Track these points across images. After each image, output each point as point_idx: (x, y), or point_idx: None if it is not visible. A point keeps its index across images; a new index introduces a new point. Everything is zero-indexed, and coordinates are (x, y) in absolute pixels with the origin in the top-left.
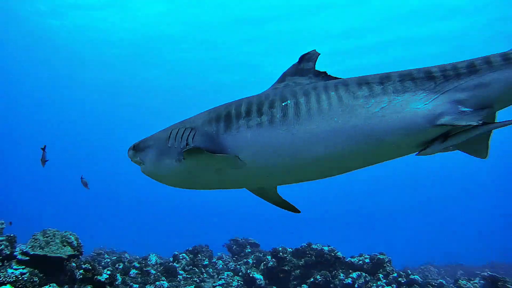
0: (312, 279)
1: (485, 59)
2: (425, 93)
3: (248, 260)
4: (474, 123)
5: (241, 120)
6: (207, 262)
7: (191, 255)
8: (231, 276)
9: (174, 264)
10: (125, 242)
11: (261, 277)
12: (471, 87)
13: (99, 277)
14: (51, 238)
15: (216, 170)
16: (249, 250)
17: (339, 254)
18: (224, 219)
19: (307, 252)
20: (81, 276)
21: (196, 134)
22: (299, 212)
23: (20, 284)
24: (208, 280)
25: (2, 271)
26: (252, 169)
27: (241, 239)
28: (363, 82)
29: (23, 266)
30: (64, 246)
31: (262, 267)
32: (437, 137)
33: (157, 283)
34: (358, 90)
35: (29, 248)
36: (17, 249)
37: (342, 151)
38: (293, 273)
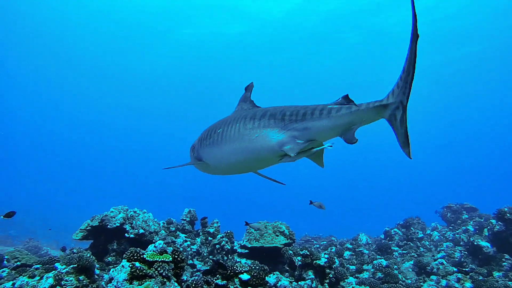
0: None
1: (312, 110)
2: (278, 129)
3: (468, 227)
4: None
5: (204, 141)
6: (422, 235)
7: (403, 229)
8: (451, 247)
9: (387, 241)
10: (327, 227)
11: (488, 244)
12: (301, 128)
13: (318, 261)
14: (263, 230)
15: (205, 166)
16: (467, 216)
17: None
18: (432, 186)
19: None
20: (300, 263)
21: (195, 147)
22: (284, 184)
23: (254, 272)
24: (426, 254)
25: (236, 262)
26: (214, 167)
27: (455, 205)
28: (253, 117)
29: (244, 259)
30: (277, 235)
31: (487, 233)
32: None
33: (374, 262)
34: (248, 124)
35: (246, 241)
36: (236, 243)
37: (243, 159)
38: None
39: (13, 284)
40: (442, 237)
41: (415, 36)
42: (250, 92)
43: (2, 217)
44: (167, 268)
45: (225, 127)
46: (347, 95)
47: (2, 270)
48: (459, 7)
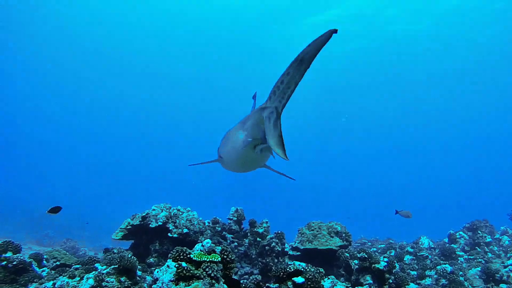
0: None
1: (251, 111)
2: (242, 130)
3: None
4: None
5: (220, 142)
6: (490, 239)
7: (469, 233)
8: None
9: (452, 245)
10: (384, 229)
11: None
12: (245, 128)
13: (377, 266)
14: (317, 231)
15: (223, 162)
16: None
17: None
18: (501, 186)
19: None
20: (357, 266)
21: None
22: (294, 180)
23: (309, 275)
24: (495, 260)
25: (289, 264)
26: (228, 162)
27: None
28: (239, 122)
29: (297, 261)
30: (332, 237)
31: None
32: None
33: (438, 267)
34: (235, 126)
35: (298, 243)
36: (286, 245)
37: (236, 157)
38: None
39: (54, 284)
40: None
41: (307, 64)
42: (254, 100)
43: (46, 212)
44: (215, 268)
45: (230, 131)
46: None
47: (42, 269)
48: None
